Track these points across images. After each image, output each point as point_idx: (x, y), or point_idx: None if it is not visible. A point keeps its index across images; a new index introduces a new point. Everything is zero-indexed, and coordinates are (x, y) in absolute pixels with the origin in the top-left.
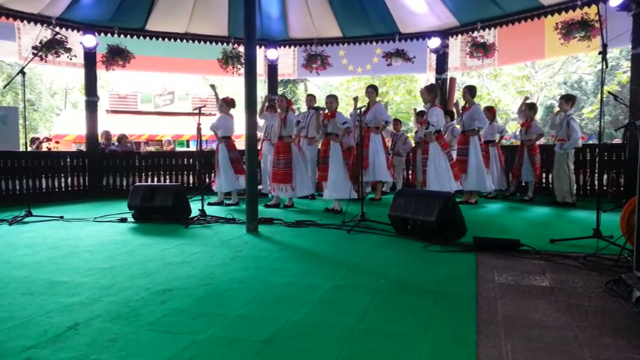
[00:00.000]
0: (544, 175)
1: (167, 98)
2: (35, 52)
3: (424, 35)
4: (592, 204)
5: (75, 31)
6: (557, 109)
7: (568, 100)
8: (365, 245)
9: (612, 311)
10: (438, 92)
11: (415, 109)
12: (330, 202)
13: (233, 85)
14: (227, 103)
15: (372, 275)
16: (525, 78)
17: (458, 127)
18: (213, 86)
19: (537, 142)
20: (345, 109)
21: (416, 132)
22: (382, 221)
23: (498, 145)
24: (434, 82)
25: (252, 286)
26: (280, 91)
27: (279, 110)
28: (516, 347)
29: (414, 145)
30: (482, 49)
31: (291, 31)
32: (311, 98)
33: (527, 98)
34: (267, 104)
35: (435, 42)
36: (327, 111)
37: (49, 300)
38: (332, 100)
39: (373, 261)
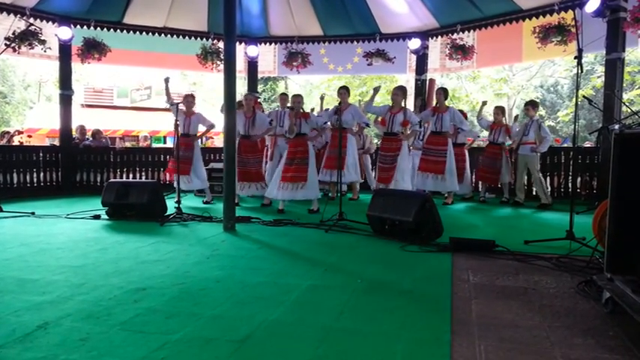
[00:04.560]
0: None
1: (144, 93)
2: (8, 43)
3: (404, 36)
4: (565, 206)
5: (50, 23)
6: (521, 116)
7: (535, 105)
8: (342, 245)
9: (583, 312)
10: (407, 93)
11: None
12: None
13: (212, 81)
14: (193, 99)
15: (349, 275)
16: (503, 80)
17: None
18: (167, 80)
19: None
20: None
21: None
22: (360, 221)
23: (467, 147)
24: (414, 82)
25: (227, 286)
26: (260, 88)
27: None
28: (489, 347)
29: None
30: (462, 51)
31: (272, 28)
32: (284, 97)
33: (484, 103)
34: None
35: (415, 43)
36: (294, 110)
37: (17, 298)
38: (299, 99)
39: (350, 260)
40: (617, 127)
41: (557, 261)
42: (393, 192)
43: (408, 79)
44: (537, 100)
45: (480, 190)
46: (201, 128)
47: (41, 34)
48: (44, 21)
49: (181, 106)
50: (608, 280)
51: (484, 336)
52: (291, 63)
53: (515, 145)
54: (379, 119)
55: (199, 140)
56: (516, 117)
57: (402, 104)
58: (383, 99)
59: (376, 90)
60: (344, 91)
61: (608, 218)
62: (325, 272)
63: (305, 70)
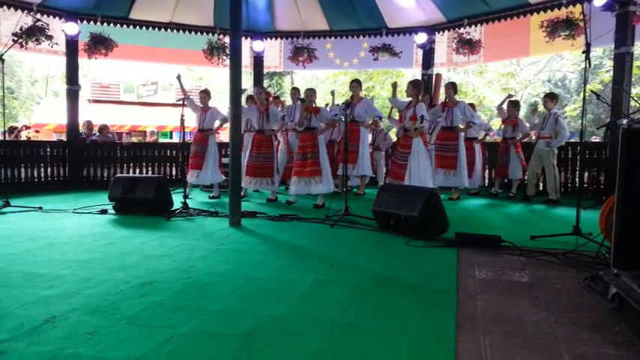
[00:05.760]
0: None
1: (150, 88)
2: (15, 39)
3: (411, 30)
4: (573, 201)
5: (57, 19)
6: (541, 107)
7: (553, 98)
8: (347, 240)
9: (589, 307)
10: (422, 88)
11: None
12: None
13: (218, 76)
14: (208, 95)
15: (354, 270)
16: (510, 75)
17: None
18: (179, 77)
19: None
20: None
21: (402, 127)
22: (365, 216)
23: (482, 142)
24: (420, 77)
25: (233, 280)
26: (266, 83)
27: (257, 103)
28: (494, 342)
29: (395, 140)
30: (469, 46)
31: (278, 23)
32: (295, 91)
33: (510, 95)
34: (246, 97)
35: (421, 37)
36: (306, 103)
37: (25, 292)
38: (312, 93)
39: (355, 256)
40: (625, 122)
41: (563, 256)
42: (398, 187)
43: (414, 74)
44: (556, 92)
45: (495, 184)
46: (217, 123)
47: (48, 29)
48: (51, 17)
49: (198, 103)
50: (615, 275)
51: (489, 331)
52: (297, 58)
53: (534, 139)
54: (396, 114)
55: (214, 135)
56: (535, 109)
57: (418, 98)
58: (389, 93)
59: (394, 85)
60: (356, 84)
61: (615, 214)
62: (330, 267)
63: (311, 65)
